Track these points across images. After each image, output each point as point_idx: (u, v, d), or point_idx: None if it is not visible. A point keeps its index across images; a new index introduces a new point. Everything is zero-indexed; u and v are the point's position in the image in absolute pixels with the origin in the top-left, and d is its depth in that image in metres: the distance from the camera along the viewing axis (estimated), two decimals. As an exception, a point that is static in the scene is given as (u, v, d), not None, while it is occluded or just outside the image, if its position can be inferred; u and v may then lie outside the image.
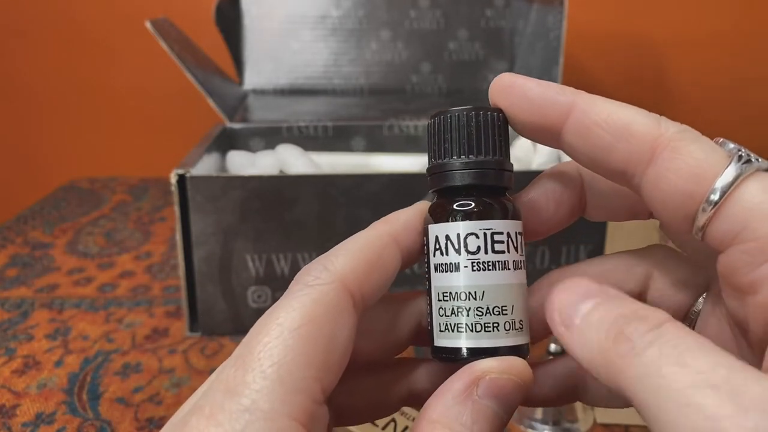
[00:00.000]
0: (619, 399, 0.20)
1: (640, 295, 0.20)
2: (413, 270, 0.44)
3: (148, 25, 0.49)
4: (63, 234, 0.64)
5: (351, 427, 0.31)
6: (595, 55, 0.80)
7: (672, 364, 0.13)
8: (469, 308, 0.17)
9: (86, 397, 0.39)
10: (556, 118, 0.17)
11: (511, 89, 0.17)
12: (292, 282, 0.17)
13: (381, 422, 0.32)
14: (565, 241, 0.45)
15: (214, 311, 0.45)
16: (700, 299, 0.19)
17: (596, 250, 0.45)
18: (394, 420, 0.31)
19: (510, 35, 0.69)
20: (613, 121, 0.16)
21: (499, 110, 0.18)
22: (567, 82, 0.52)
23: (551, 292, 0.16)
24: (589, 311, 0.15)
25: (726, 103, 0.82)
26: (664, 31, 0.79)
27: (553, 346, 0.39)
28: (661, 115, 0.16)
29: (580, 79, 0.80)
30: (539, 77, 0.18)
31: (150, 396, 0.39)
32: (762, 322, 0.15)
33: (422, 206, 0.19)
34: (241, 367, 0.15)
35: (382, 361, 0.20)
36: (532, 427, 0.36)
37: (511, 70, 0.68)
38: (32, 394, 0.39)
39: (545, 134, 0.17)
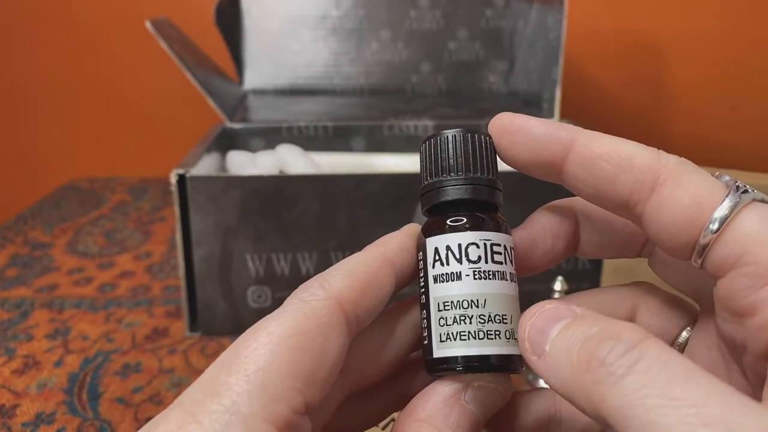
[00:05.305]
0: None
1: None
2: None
3: (148, 25, 0.49)
4: (63, 234, 0.64)
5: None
6: (594, 55, 0.80)
7: (658, 395, 0.12)
8: (472, 315, 0.17)
9: (86, 397, 0.39)
10: (558, 153, 0.17)
11: (512, 128, 0.18)
12: (288, 297, 0.17)
13: (381, 422, 0.32)
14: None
15: (214, 311, 0.45)
16: (684, 333, 0.19)
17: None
18: (393, 420, 0.31)
19: (510, 35, 0.69)
20: (617, 153, 0.16)
21: (490, 135, 0.19)
22: (567, 81, 0.52)
23: (520, 320, 0.16)
24: (557, 335, 0.15)
25: (726, 104, 0.82)
26: (664, 31, 0.79)
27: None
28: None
29: (580, 79, 0.80)
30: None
31: (150, 396, 0.39)
32: (761, 343, 0.15)
33: (413, 228, 0.20)
34: (226, 369, 0.15)
35: (379, 382, 0.20)
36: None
37: (511, 70, 0.68)
38: (32, 394, 0.39)
39: (546, 169, 0.18)
